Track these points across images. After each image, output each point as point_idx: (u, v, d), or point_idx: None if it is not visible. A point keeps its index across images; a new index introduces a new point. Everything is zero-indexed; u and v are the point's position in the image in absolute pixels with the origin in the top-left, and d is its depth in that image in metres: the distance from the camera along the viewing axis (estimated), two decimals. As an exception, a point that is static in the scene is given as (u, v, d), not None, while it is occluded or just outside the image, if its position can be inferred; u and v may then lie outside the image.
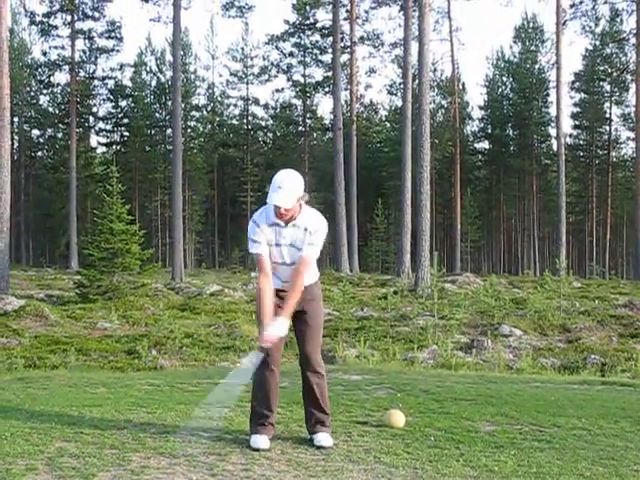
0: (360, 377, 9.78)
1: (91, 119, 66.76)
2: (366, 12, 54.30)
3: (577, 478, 5.27)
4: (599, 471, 5.47)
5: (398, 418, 6.79)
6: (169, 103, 60.99)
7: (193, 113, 70.12)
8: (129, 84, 69.38)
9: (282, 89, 66.77)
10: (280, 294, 6.13)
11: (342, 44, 51.43)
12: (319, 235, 6.05)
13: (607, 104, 68.01)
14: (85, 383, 9.23)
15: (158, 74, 69.97)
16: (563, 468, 5.52)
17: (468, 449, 6.03)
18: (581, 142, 71.92)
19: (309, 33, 59.01)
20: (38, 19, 55.98)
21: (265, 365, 6.08)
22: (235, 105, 73.08)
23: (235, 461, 5.62)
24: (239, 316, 20.57)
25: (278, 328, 5.88)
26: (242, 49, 68.84)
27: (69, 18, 55.34)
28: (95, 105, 65.66)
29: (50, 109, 66.58)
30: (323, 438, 6.10)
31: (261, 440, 6.00)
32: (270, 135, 76.87)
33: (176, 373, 11.65)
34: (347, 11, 52.24)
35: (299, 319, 6.18)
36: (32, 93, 67.78)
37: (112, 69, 62.79)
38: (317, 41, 59.52)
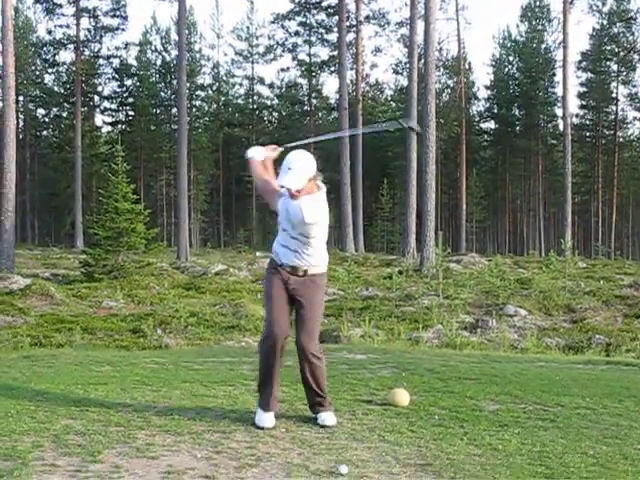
0: (365, 356, 9.80)
1: (96, 98, 66.70)
2: (372, -9, 54.05)
3: (581, 457, 5.28)
4: (603, 450, 5.48)
5: (402, 397, 6.81)
6: (174, 82, 60.75)
7: (198, 92, 69.89)
8: (134, 63, 69.18)
9: (287, 68, 66.47)
10: (282, 273, 6.12)
11: (348, 23, 51.16)
12: (309, 215, 5.94)
13: (614, 84, 67.68)
14: (90, 361, 9.25)
15: (163, 53, 69.72)
16: (567, 447, 5.54)
17: (472, 428, 6.05)
18: (587, 122, 71.63)
19: (315, 12, 58.65)
20: (43, -3, 55.82)
21: (271, 340, 6.07)
22: (240, 84, 72.95)
23: (240, 439, 5.64)
24: (244, 295, 20.61)
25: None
26: (247, 28, 68.61)
27: (74, -4, 55.16)
28: (100, 84, 65.57)
29: (55, 88, 66.42)
30: (327, 417, 6.13)
31: (266, 418, 6.01)
32: (275, 115, 76.67)
33: (181, 352, 11.68)
34: (353, -11, 51.97)
35: (298, 308, 6.15)
36: (37, 72, 67.62)
37: (117, 48, 62.76)
38: (323, 20, 59.23)
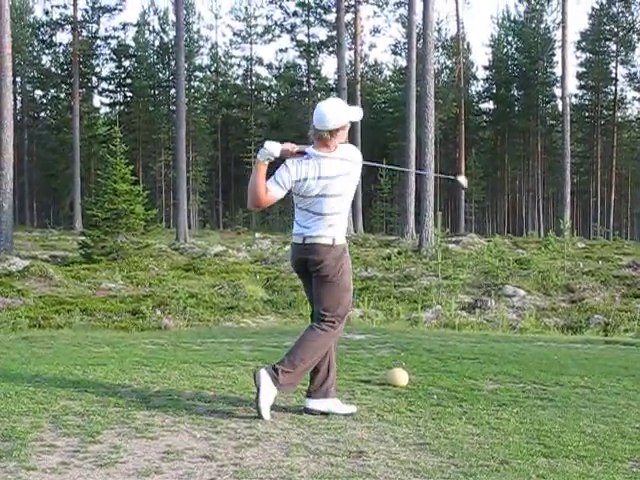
0: (364, 336, 9.81)
1: (94, 79, 66.56)
2: (370, -30, 53.83)
3: (579, 435, 5.28)
4: (601, 428, 5.48)
5: (401, 377, 6.81)
6: (172, 63, 60.62)
7: (196, 73, 69.75)
8: (132, 44, 69.03)
9: (286, 49, 66.72)
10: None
11: (346, 3, 50.96)
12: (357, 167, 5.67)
13: (613, 64, 67.55)
14: (89, 342, 9.26)
15: (161, 34, 69.58)
16: (565, 426, 5.54)
17: (471, 407, 6.05)
18: (586, 102, 71.52)
19: (313, -8, 58.51)
20: (40, -22, 55.69)
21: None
22: (239, 65, 72.88)
23: (239, 419, 5.64)
24: (243, 276, 20.61)
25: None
26: (245, 8, 68.63)
27: (71, -24, 54.90)
28: (98, 65, 65.53)
29: (53, 69, 66.30)
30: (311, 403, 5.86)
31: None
32: (274, 95, 76.52)
33: (180, 333, 11.69)
34: (351, -31, 51.78)
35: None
36: (34, 53, 67.41)
37: (115, 29, 62.64)
38: (321, 0, 59.02)
